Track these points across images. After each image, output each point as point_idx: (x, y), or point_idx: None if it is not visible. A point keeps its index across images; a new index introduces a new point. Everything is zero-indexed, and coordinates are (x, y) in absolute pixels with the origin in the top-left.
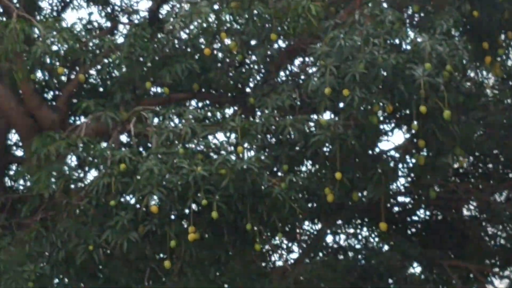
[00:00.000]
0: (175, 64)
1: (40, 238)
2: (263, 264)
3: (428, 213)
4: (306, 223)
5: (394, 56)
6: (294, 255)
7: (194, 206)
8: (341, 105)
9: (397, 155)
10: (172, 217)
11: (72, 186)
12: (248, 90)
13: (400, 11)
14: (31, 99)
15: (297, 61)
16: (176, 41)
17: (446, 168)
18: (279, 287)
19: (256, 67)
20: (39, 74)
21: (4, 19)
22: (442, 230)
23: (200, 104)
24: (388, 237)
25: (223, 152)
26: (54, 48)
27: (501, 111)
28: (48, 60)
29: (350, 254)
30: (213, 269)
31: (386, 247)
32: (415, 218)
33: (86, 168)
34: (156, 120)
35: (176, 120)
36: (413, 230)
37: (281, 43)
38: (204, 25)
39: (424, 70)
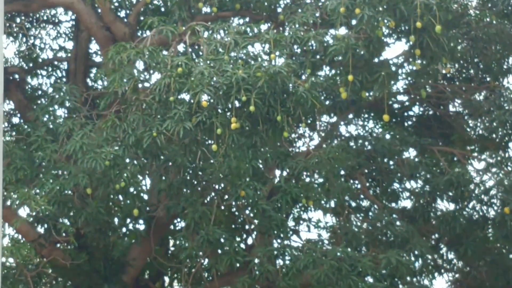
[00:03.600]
0: None
1: (115, 127)
2: (290, 149)
3: (421, 109)
4: (324, 116)
5: None
6: (315, 142)
7: (236, 101)
8: (354, 21)
9: (398, 61)
10: (219, 110)
11: (140, 85)
12: (279, 9)
13: None
14: (108, 15)
15: None
16: None
17: (436, 73)
18: (304, 165)
19: None
20: None
21: None
22: (433, 122)
23: (241, 21)
24: (389, 128)
25: (259, 59)
26: None
27: (481, 27)
28: None
29: (359, 141)
30: (250, 151)
31: (387, 136)
32: (411, 113)
33: (151, 71)
34: (206, 33)
35: (222, 33)
36: (409, 122)
37: None
38: None
39: None
